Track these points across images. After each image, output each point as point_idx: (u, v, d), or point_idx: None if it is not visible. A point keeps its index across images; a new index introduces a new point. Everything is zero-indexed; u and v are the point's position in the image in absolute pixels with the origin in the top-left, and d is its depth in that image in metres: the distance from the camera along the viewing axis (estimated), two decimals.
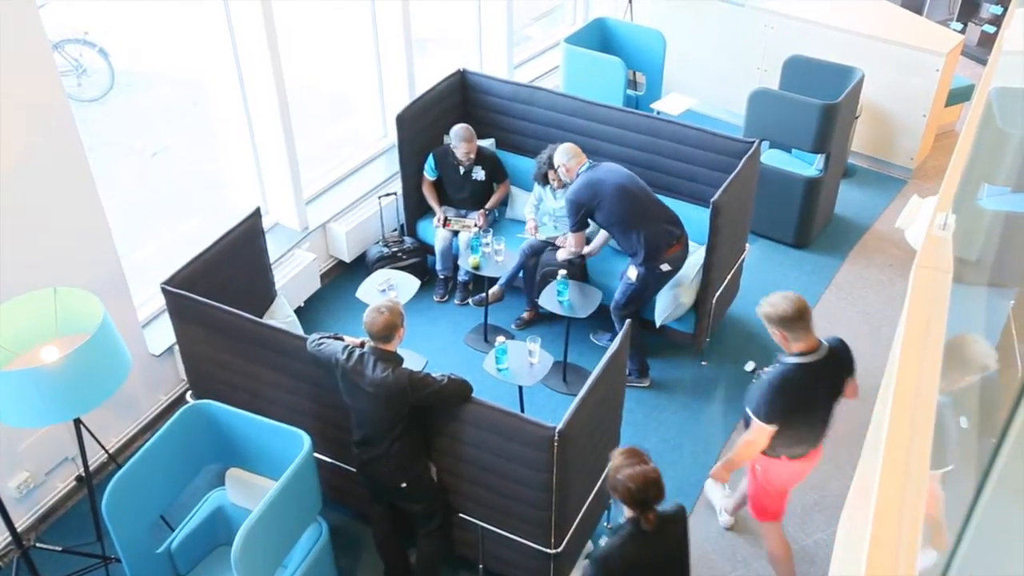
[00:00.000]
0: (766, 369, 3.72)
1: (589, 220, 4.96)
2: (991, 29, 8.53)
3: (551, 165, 5.23)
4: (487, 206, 5.74)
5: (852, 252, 6.33)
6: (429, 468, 3.90)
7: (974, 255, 2.91)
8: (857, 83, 5.98)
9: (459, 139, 5.48)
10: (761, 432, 3.62)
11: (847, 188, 6.81)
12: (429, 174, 5.75)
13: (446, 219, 5.68)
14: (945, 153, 7.12)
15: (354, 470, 4.00)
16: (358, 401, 3.71)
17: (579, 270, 5.30)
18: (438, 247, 5.73)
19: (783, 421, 3.59)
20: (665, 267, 4.86)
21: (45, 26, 3.82)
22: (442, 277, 5.85)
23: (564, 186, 5.22)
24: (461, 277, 5.81)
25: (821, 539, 4.43)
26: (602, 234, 5.18)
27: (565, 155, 5.02)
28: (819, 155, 6.00)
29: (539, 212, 5.58)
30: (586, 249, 5.20)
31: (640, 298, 5.01)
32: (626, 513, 3.09)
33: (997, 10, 8.51)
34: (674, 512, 3.19)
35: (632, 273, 4.92)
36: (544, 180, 5.41)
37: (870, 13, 7.10)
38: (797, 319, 3.50)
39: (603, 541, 3.17)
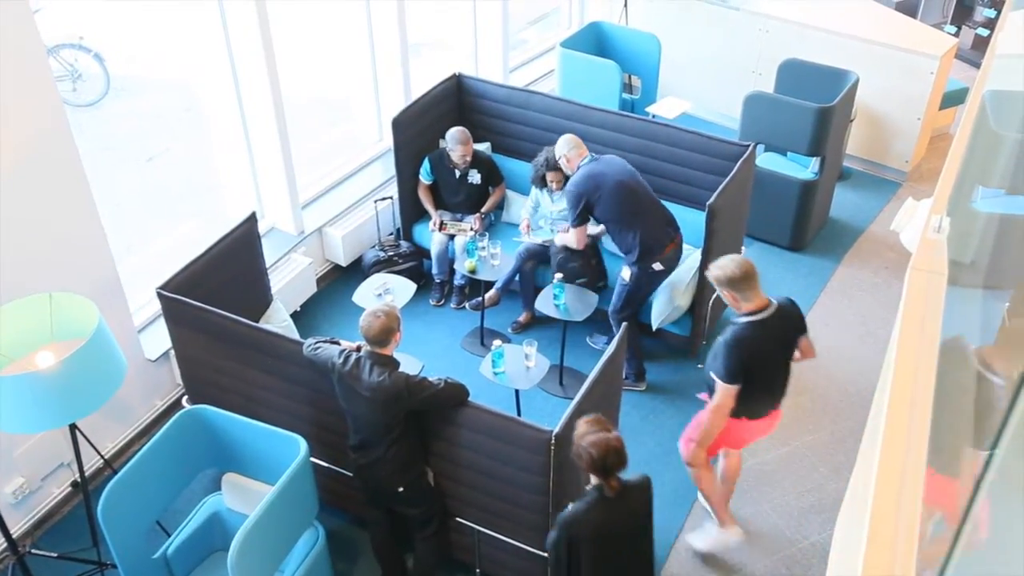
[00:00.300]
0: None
1: (589, 215, 4.94)
2: (985, 32, 8.56)
3: (549, 167, 5.23)
4: (483, 210, 5.74)
5: (847, 255, 6.34)
6: (426, 472, 3.90)
7: (969, 257, 2.91)
8: (852, 86, 6.00)
9: (455, 141, 5.48)
10: (726, 393, 3.75)
11: (842, 191, 6.82)
12: (425, 178, 5.75)
13: (442, 223, 5.68)
14: (939, 156, 7.14)
15: (351, 474, 4.00)
16: (355, 405, 3.70)
17: (594, 272, 5.28)
18: (434, 251, 5.72)
19: (744, 379, 3.73)
20: (658, 266, 4.86)
21: (40, 31, 3.82)
22: (438, 281, 5.85)
23: (563, 185, 5.20)
24: (457, 281, 5.81)
25: (818, 541, 4.43)
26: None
27: (566, 146, 5.00)
28: (814, 158, 6.01)
29: (536, 216, 5.58)
30: (593, 230, 5.18)
31: (635, 299, 5.00)
32: (592, 481, 3.19)
33: (990, 13, 8.54)
34: (639, 481, 3.27)
35: (625, 273, 4.92)
36: (541, 183, 5.40)
37: (864, 16, 7.12)
38: (743, 279, 3.67)
39: (570, 506, 3.24)
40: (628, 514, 3.24)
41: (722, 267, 3.71)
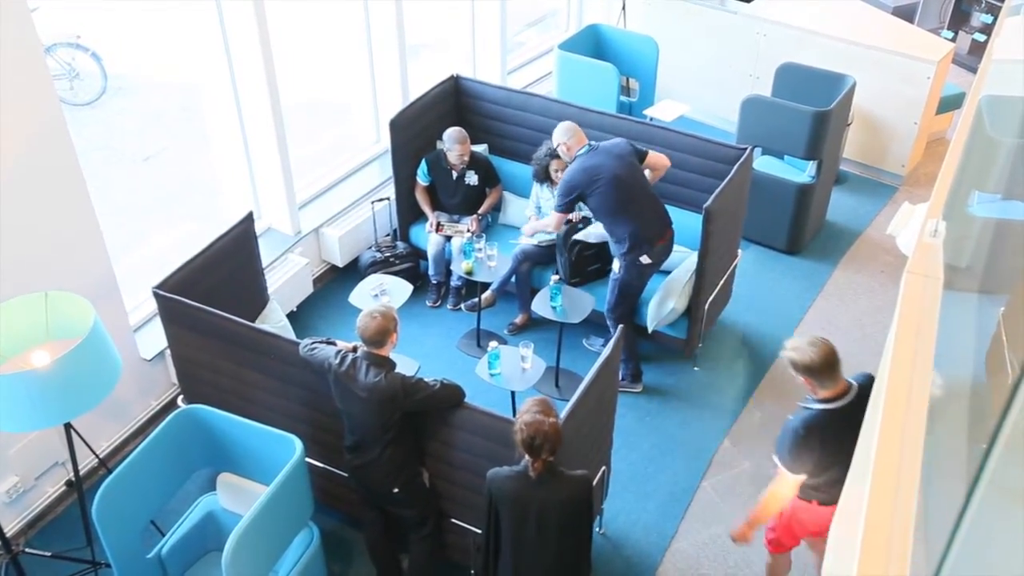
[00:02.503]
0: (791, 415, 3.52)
1: (579, 205, 4.94)
2: (981, 37, 8.57)
3: (552, 155, 5.21)
4: (480, 211, 5.74)
5: (844, 258, 6.35)
6: (421, 473, 3.90)
7: (964, 262, 2.92)
8: (849, 90, 6.01)
9: (453, 141, 5.48)
10: (788, 482, 3.42)
11: (839, 195, 6.83)
12: (422, 179, 5.75)
13: (439, 224, 5.68)
14: (936, 160, 7.16)
15: (346, 475, 3.99)
16: (350, 406, 3.70)
17: (605, 256, 5.28)
18: (431, 252, 5.72)
19: (812, 469, 3.36)
20: (645, 260, 4.85)
21: (37, 29, 3.81)
22: (435, 282, 5.85)
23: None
24: (454, 282, 5.81)
25: None
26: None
27: (565, 133, 4.93)
28: (811, 162, 6.02)
29: (539, 215, 5.56)
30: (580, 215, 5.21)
31: (628, 294, 4.98)
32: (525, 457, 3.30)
33: (987, 19, 8.56)
34: (574, 476, 3.34)
35: (616, 266, 4.92)
36: (544, 175, 5.37)
37: (862, 21, 7.13)
38: (825, 368, 3.27)
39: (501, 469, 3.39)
40: (547, 501, 3.29)
41: (800, 350, 3.27)
